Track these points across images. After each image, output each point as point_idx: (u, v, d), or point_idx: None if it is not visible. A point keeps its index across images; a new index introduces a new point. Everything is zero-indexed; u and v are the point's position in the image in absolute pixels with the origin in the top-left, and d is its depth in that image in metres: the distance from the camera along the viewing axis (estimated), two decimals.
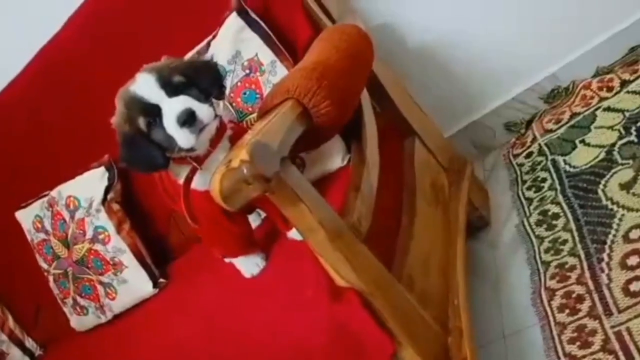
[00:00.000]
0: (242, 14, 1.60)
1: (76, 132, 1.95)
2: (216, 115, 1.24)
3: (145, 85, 1.22)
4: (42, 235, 1.95)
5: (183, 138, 1.20)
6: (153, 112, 1.21)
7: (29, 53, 1.95)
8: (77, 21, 1.88)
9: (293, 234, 1.33)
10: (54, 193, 1.91)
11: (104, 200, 1.85)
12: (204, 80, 1.27)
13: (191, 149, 1.24)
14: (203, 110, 1.20)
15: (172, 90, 1.21)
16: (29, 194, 1.97)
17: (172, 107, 1.19)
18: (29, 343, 2.15)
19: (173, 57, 1.33)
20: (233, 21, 1.60)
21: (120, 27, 1.83)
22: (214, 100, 1.28)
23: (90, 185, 1.85)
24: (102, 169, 1.85)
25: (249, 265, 1.43)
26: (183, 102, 1.20)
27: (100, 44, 1.86)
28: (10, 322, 2.14)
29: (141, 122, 1.23)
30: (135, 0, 1.82)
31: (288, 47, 1.57)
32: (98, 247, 1.85)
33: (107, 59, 1.86)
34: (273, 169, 1.04)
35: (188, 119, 1.18)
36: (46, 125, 1.98)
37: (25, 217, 1.98)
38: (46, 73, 1.93)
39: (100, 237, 1.85)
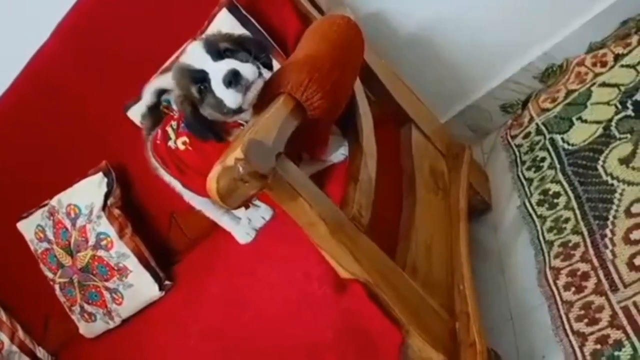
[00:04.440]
0: (233, 10, 1.61)
1: (71, 140, 1.95)
2: (260, 74, 1.25)
3: (192, 53, 1.26)
4: (45, 245, 1.95)
5: (230, 99, 1.22)
6: (201, 78, 1.24)
7: (19, 63, 1.95)
8: (63, 30, 1.88)
9: None
10: (53, 202, 1.91)
11: (104, 206, 1.85)
12: (251, 48, 1.30)
13: (240, 110, 1.25)
14: (247, 69, 1.21)
15: (217, 55, 1.24)
16: (29, 205, 1.97)
17: (217, 70, 1.21)
18: (40, 353, 2.16)
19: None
20: (224, 17, 1.61)
21: (106, 32, 1.84)
22: (262, 68, 1.30)
23: (89, 192, 1.86)
24: (100, 175, 1.86)
25: (242, 232, 1.55)
26: (227, 64, 1.22)
27: (87, 52, 1.87)
28: (20, 332, 2.14)
29: (193, 90, 1.26)
30: (119, 4, 1.82)
31: (278, 42, 1.57)
32: (101, 253, 1.85)
33: (96, 65, 1.87)
34: (269, 166, 1.04)
35: (233, 79, 1.19)
36: (40, 135, 1.98)
37: (27, 227, 1.98)
38: (36, 85, 1.94)
39: (103, 243, 1.85)
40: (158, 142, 1.55)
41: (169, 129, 1.51)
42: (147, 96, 1.59)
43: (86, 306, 1.93)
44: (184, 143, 1.47)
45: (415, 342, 1.15)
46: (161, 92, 1.58)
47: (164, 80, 1.56)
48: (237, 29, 1.55)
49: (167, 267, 1.89)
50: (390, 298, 1.15)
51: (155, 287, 1.82)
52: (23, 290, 2.12)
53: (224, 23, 1.57)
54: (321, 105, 1.20)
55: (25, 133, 2.00)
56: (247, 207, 1.54)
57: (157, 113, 1.61)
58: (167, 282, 1.84)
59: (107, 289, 1.88)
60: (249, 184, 1.02)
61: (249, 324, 1.35)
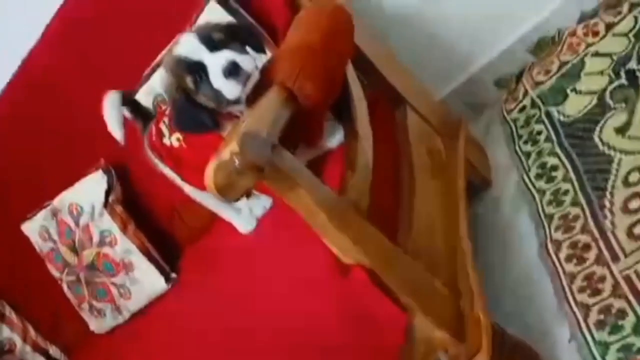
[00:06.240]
0: (221, 1, 1.61)
1: (70, 139, 1.95)
2: (257, 66, 1.25)
3: (187, 45, 1.25)
4: (50, 245, 1.96)
5: (229, 89, 1.21)
6: (198, 69, 1.23)
7: (12, 65, 1.95)
8: (54, 28, 1.88)
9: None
10: (56, 202, 1.92)
11: (106, 204, 1.86)
12: (242, 35, 1.30)
13: (237, 102, 1.25)
14: (246, 61, 1.22)
15: (213, 45, 1.23)
16: (32, 206, 1.98)
17: (216, 61, 1.21)
18: (53, 351, 2.17)
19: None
20: (213, 9, 1.60)
21: (97, 28, 1.84)
22: (255, 53, 1.30)
23: (90, 190, 1.87)
24: (100, 172, 1.86)
25: (243, 221, 1.56)
26: (226, 55, 1.21)
27: (79, 49, 1.87)
28: (32, 332, 2.16)
29: (188, 80, 1.24)
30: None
31: (268, 31, 1.56)
32: (106, 250, 1.87)
33: (88, 63, 1.87)
34: (265, 157, 1.04)
35: (233, 70, 1.19)
36: (38, 136, 1.98)
37: (31, 228, 1.99)
38: (31, 85, 1.94)
39: (107, 240, 1.86)
40: (153, 139, 1.55)
41: (163, 126, 1.51)
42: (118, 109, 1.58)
43: (95, 303, 1.95)
44: (178, 139, 1.47)
45: (420, 323, 1.16)
46: (129, 100, 1.58)
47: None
48: (226, 20, 1.55)
49: (172, 260, 1.90)
50: (393, 281, 1.16)
51: (162, 280, 1.84)
52: (31, 291, 2.14)
53: (213, 15, 1.57)
54: (314, 93, 1.20)
55: (23, 134, 2.01)
56: (248, 196, 1.55)
57: (143, 111, 1.61)
58: (173, 275, 1.85)
59: (114, 284, 1.89)
60: (246, 177, 1.02)
61: (254, 313, 1.36)
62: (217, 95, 1.23)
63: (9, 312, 2.14)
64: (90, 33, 1.84)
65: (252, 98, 1.23)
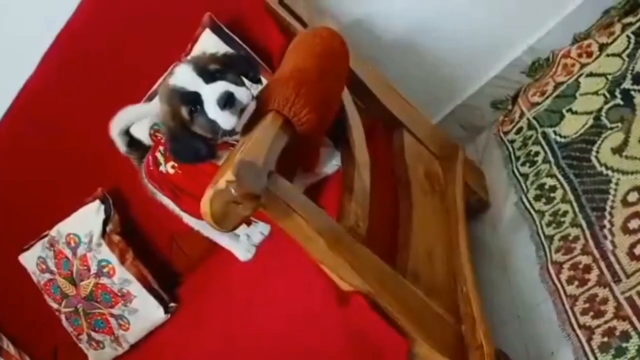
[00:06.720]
0: (216, 30, 1.62)
1: (67, 169, 1.95)
2: (253, 97, 1.25)
3: (183, 75, 1.25)
4: (47, 276, 1.95)
5: (225, 120, 1.21)
6: (194, 100, 1.23)
7: (8, 96, 1.96)
8: (50, 61, 1.89)
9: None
10: (53, 232, 1.91)
11: (104, 233, 1.85)
12: (238, 66, 1.30)
13: (233, 132, 1.25)
14: (241, 92, 1.22)
15: (209, 77, 1.23)
16: (29, 237, 1.97)
17: (211, 92, 1.21)
18: None
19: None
20: (208, 37, 1.61)
21: (92, 60, 1.85)
22: (251, 84, 1.31)
23: (87, 220, 1.86)
24: (97, 202, 1.86)
25: (242, 249, 1.55)
26: (221, 86, 1.21)
27: (75, 79, 1.88)
28: None
29: (184, 111, 1.24)
30: (105, 29, 1.83)
31: (263, 58, 1.57)
32: (104, 280, 1.85)
33: (84, 93, 1.88)
34: (261, 185, 1.04)
35: (228, 101, 1.19)
36: (35, 166, 1.98)
37: (29, 259, 1.98)
38: (26, 116, 1.95)
39: (105, 270, 1.85)
40: (151, 168, 1.55)
41: (159, 154, 1.51)
42: (117, 139, 1.57)
43: (93, 334, 1.93)
44: (173, 167, 1.47)
45: (422, 350, 1.15)
46: (127, 130, 1.57)
47: (125, 116, 1.55)
48: (222, 49, 1.55)
49: (171, 289, 1.89)
50: (394, 307, 1.15)
51: (160, 310, 1.82)
52: (30, 323, 2.12)
53: (208, 43, 1.58)
54: (309, 120, 1.20)
55: (20, 165, 2.00)
56: (248, 224, 1.54)
57: (138, 145, 1.61)
58: (171, 305, 1.84)
59: (112, 315, 1.88)
60: (242, 206, 1.02)
61: (255, 342, 1.35)
62: (213, 125, 1.22)
63: (6, 344, 2.12)
64: (87, 62, 1.85)
65: (248, 125, 1.23)
